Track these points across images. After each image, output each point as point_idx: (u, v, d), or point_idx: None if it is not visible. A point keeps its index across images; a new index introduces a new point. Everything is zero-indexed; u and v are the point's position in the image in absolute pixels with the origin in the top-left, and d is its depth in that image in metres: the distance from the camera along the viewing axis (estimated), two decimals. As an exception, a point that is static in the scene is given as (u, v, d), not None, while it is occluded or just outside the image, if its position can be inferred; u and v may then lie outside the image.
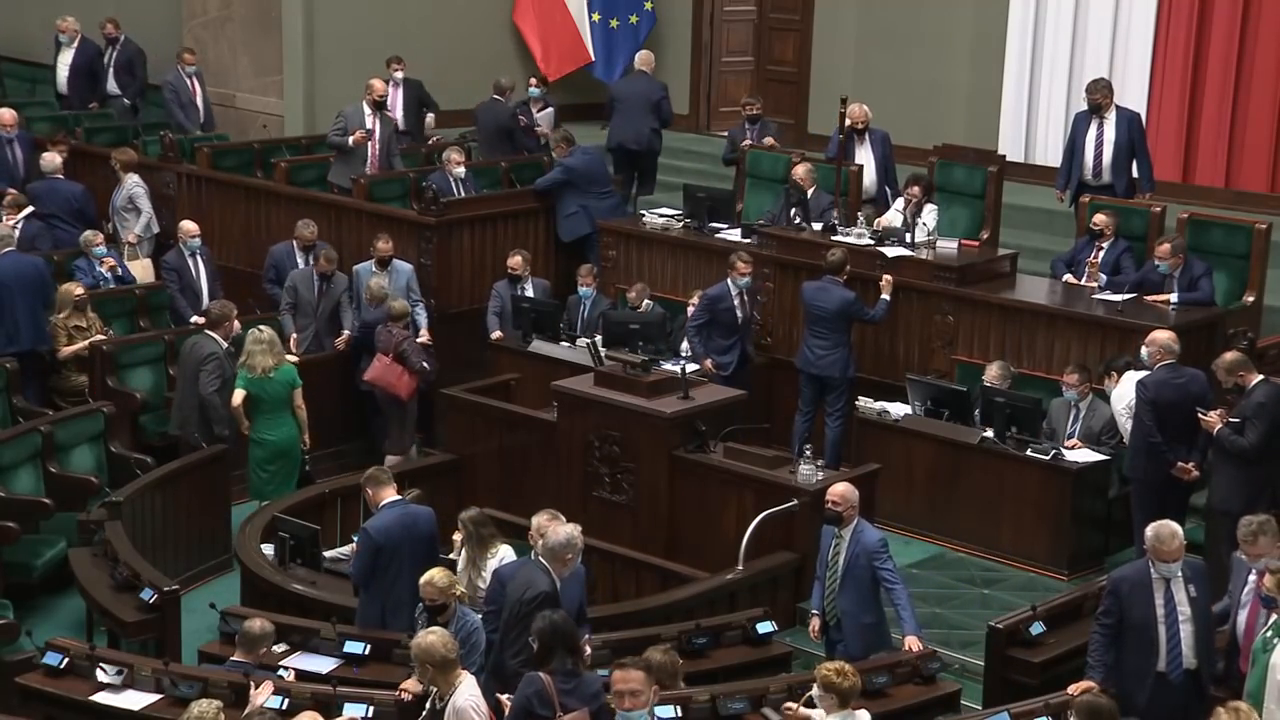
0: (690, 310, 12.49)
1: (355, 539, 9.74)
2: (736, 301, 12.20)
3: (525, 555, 8.84)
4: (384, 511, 9.32)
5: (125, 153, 15.02)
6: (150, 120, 17.59)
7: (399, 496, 9.45)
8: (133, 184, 14.72)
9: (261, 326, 11.85)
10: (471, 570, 9.28)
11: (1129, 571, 8.29)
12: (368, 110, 15.00)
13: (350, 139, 14.77)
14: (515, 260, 13.32)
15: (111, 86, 17.86)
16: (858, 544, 8.90)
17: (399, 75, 16.01)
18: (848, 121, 13.35)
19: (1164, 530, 8.13)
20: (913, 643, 8.84)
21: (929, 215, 12.70)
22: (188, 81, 16.91)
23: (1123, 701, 7.88)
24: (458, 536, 9.55)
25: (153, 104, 18.03)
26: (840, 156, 13.34)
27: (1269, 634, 7.81)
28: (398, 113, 15.83)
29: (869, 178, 13.73)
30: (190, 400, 11.53)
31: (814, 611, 9.17)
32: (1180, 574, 8.09)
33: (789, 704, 7.76)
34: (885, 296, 11.98)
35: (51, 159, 14.74)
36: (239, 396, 11.47)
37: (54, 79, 18.11)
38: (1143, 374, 10.42)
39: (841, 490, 9.03)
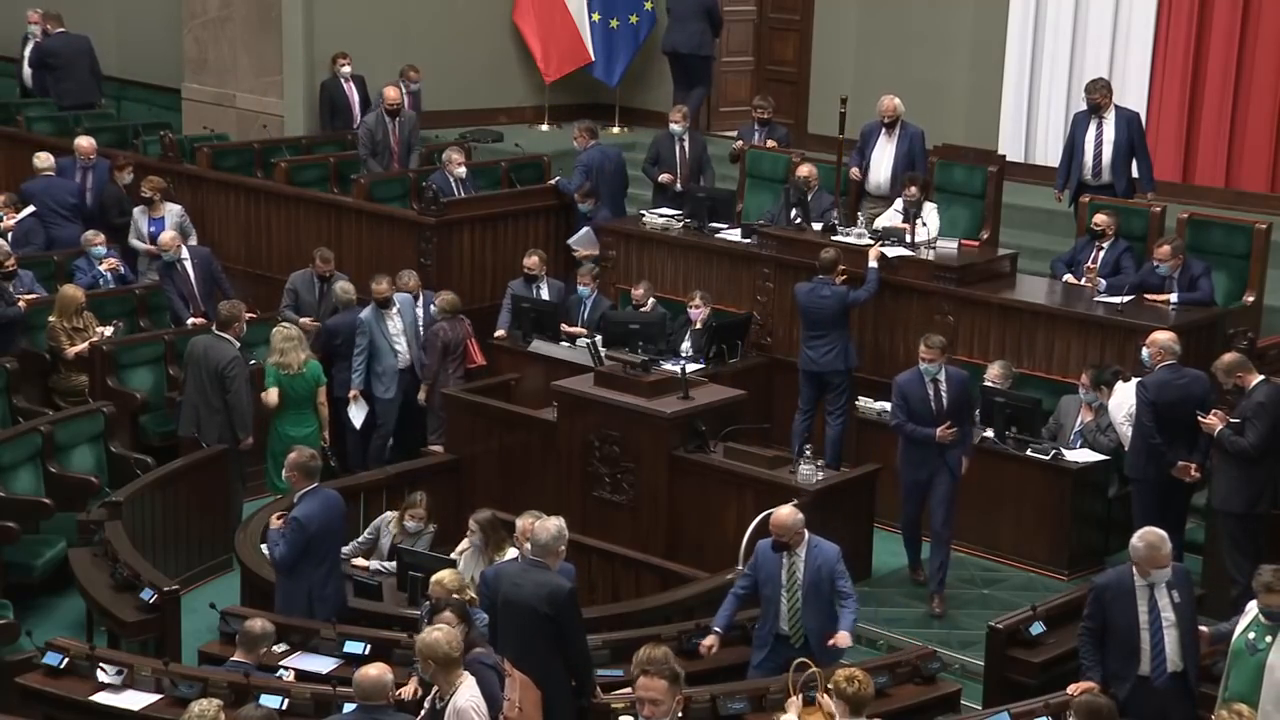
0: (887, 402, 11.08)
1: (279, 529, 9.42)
2: (931, 391, 10.50)
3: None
4: (307, 499, 9.29)
5: (156, 180, 14.28)
6: (147, 121, 17.60)
7: (316, 484, 9.40)
8: (178, 213, 14.18)
9: (285, 324, 12.02)
10: (477, 572, 9.28)
11: (1112, 578, 8.27)
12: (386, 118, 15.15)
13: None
14: (532, 260, 13.26)
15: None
16: (817, 560, 8.75)
17: (415, 87, 16.29)
18: (878, 115, 13.41)
19: (1153, 537, 8.11)
20: (842, 638, 8.60)
21: (929, 215, 12.69)
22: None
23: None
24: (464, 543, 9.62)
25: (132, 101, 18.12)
26: (842, 151, 13.35)
27: (1251, 635, 7.79)
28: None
29: (883, 174, 13.54)
30: (212, 404, 11.40)
31: (716, 629, 8.90)
32: (1164, 580, 8.09)
33: None
34: (872, 264, 11.87)
35: (44, 158, 14.69)
36: (274, 394, 11.52)
37: (19, 73, 18.22)
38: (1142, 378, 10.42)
39: (783, 519, 8.76)
